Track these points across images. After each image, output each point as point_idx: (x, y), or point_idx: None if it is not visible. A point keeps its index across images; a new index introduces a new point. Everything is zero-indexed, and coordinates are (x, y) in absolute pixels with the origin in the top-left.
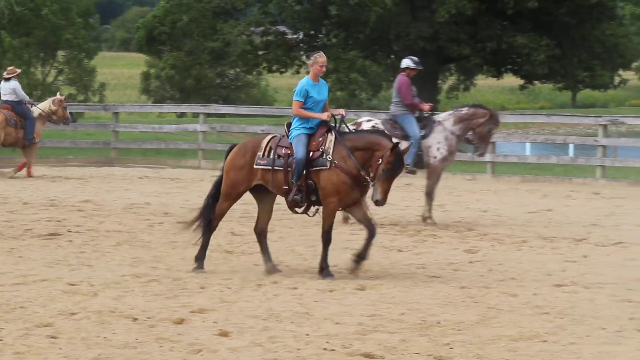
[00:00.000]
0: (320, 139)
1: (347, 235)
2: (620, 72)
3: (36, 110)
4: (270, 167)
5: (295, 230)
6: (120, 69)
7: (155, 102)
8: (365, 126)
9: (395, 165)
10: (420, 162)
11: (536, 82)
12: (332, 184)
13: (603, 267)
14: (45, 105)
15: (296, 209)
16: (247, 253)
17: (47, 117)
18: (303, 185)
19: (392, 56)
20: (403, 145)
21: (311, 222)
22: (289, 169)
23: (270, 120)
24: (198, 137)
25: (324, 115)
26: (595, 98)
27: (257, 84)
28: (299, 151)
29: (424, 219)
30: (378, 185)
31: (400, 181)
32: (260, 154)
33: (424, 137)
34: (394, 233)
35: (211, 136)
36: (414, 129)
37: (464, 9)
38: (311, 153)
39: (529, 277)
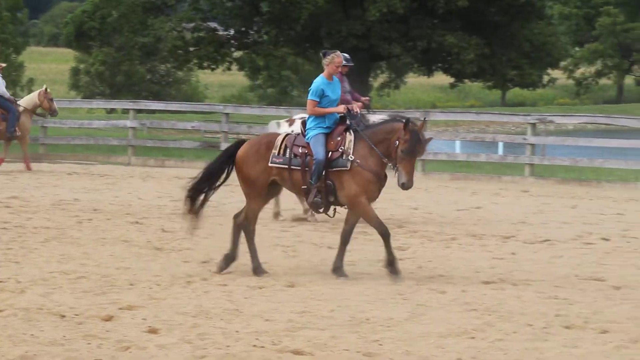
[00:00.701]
0: (339, 139)
1: (278, 232)
2: (549, 71)
3: (20, 106)
4: (286, 166)
5: (225, 227)
6: (49, 64)
7: (84, 97)
8: (299, 122)
9: (413, 142)
10: None
11: (466, 80)
12: (357, 184)
13: (531, 264)
14: (30, 99)
15: (317, 210)
16: (177, 250)
17: (33, 111)
18: (322, 187)
19: None
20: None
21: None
22: (307, 169)
23: (201, 116)
24: (128, 134)
25: (340, 108)
26: (525, 97)
27: (188, 80)
28: (319, 152)
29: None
30: (401, 168)
31: None
32: (275, 152)
33: None
34: (324, 230)
35: (141, 132)
36: None
37: (395, 7)
38: (330, 153)
39: (457, 274)
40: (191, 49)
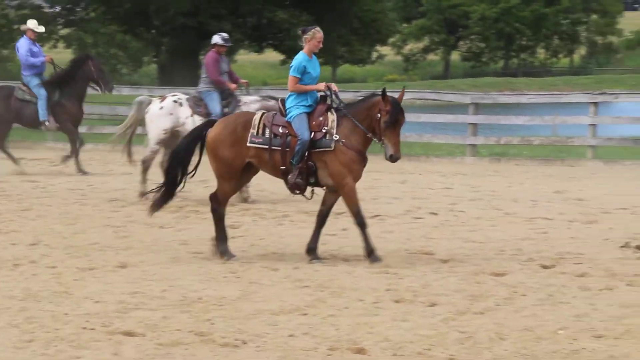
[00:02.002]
0: (321, 119)
1: (109, 213)
2: (378, 47)
3: None
4: (267, 147)
5: (54, 208)
6: None
7: None
8: (169, 100)
9: (394, 112)
10: None
11: None
12: (342, 164)
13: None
14: None
15: (296, 191)
16: (3, 232)
17: None
18: (304, 167)
19: (153, 31)
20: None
21: (70, 199)
22: (287, 149)
23: None
24: None
25: (321, 86)
26: (354, 73)
27: (13, 58)
28: (304, 132)
29: (244, 199)
30: (386, 141)
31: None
32: (253, 131)
33: (225, 115)
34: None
35: None
36: (215, 106)
37: None
38: (313, 134)
39: (290, 251)
40: (15, 27)
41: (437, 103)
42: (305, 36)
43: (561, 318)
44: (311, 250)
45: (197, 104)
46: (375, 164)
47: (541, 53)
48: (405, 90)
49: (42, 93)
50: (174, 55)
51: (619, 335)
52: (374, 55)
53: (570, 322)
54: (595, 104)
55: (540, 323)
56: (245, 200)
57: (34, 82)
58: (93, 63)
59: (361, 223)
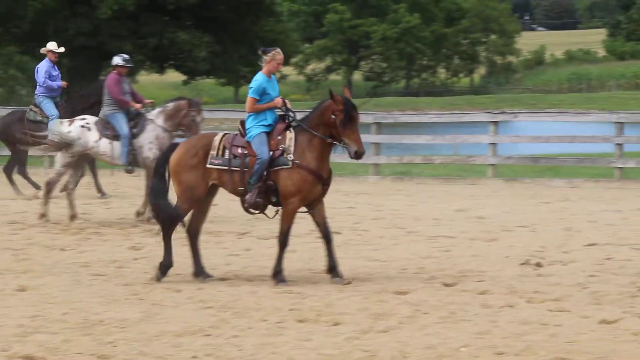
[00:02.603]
0: (280, 137)
1: (7, 236)
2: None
3: None
4: (226, 167)
5: None
6: None
7: None
8: (77, 125)
9: (347, 109)
10: (136, 161)
11: (199, 77)
12: (293, 183)
13: (266, 259)
14: None
15: (252, 211)
16: None
17: None
18: (263, 187)
19: None
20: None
21: None
22: (246, 169)
23: None
24: None
25: (278, 102)
26: None
27: None
28: (263, 152)
29: (138, 214)
30: (347, 140)
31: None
32: (213, 152)
33: (135, 135)
34: (56, 232)
35: None
36: (122, 126)
37: (125, 4)
38: (271, 152)
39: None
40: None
41: None
42: (266, 57)
43: (463, 335)
44: (332, 268)
45: (105, 126)
46: None
47: (442, 72)
48: (308, 110)
49: (54, 114)
50: (74, 75)
51: (519, 352)
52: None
53: (472, 339)
54: (496, 123)
55: (443, 341)
56: (148, 220)
57: (47, 102)
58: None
59: (283, 242)
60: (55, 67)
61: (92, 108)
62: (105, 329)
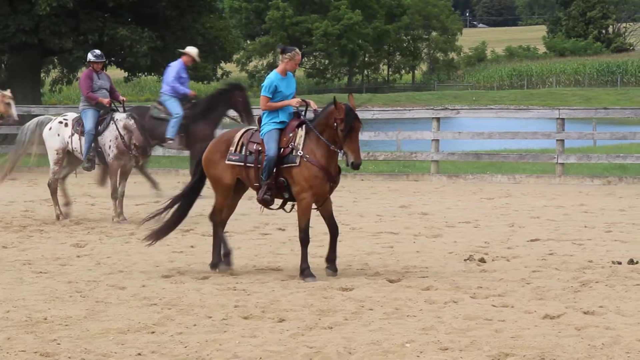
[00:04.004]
0: (291, 135)
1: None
2: (223, 64)
3: None
4: (242, 164)
5: None
6: None
7: None
8: (56, 121)
9: (349, 119)
10: (102, 159)
11: (140, 74)
12: (304, 179)
13: (209, 256)
14: None
15: (268, 207)
16: None
17: None
18: (272, 184)
19: None
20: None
21: None
22: (259, 165)
23: None
24: None
25: (293, 102)
26: (200, 90)
27: None
28: (271, 148)
29: (113, 218)
30: (346, 149)
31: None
32: (232, 149)
33: (99, 133)
34: None
35: None
36: (88, 123)
37: (65, 1)
38: (282, 150)
39: (137, 269)
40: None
41: None
42: (285, 56)
43: (408, 331)
44: (331, 260)
45: (78, 122)
46: None
47: (384, 69)
48: (253, 107)
49: (178, 112)
50: (14, 72)
51: (463, 347)
52: (219, 72)
53: (417, 335)
54: (438, 119)
55: (388, 337)
56: (117, 216)
57: (172, 101)
58: (240, 94)
59: (304, 240)
60: (186, 70)
61: (212, 112)
62: (49, 327)
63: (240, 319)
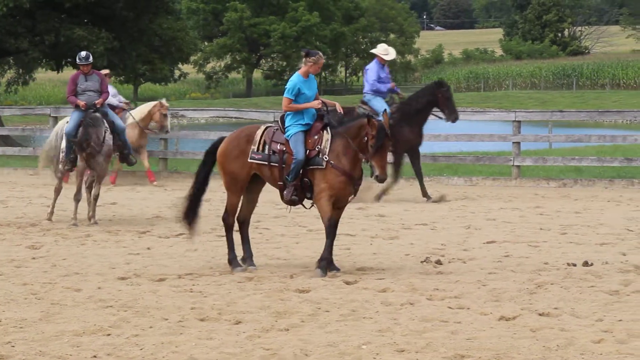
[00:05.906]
0: (316, 137)
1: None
2: (180, 65)
3: (130, 118)
4: (266, 163)
5: None
6: None
7: None
8: (63, 121)
9: (381, 137)
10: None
11: None
12: (326, 181)
13: (166, 258)
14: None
15: (294, 206)
16: None
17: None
18: (299, 184)
19: None
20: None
21: None
22: (284, 165)
23: None
24: None
25: (315, 103)
26: (157, 91)
27: None
28: (299, 152)
29: (89, 218)
30: (373, 163)
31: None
32: (254, 147)
33: (77, 134)
34: None
35: None
36: (70, 124)
37: (21, 2)
38: (308, 152)
39: (93, 271)
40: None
41: (240, 121)
42: (309, 59)
43: (364, 333)
44: (325, 259)
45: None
46: (179, 182)
47: (341, 71)
48: (209, 108)
49: (384, 107)
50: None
51: (420, 349)
52: (176, 73)
53: (374, 337)
54: None
55: (344, 338)
56: (89, 219)
57: (376, 100)
58: (443, 91)
59: (331, 234)
60: (385, 68)
61: (418, 114)
62: (3, 329)
63: (196, 321)
